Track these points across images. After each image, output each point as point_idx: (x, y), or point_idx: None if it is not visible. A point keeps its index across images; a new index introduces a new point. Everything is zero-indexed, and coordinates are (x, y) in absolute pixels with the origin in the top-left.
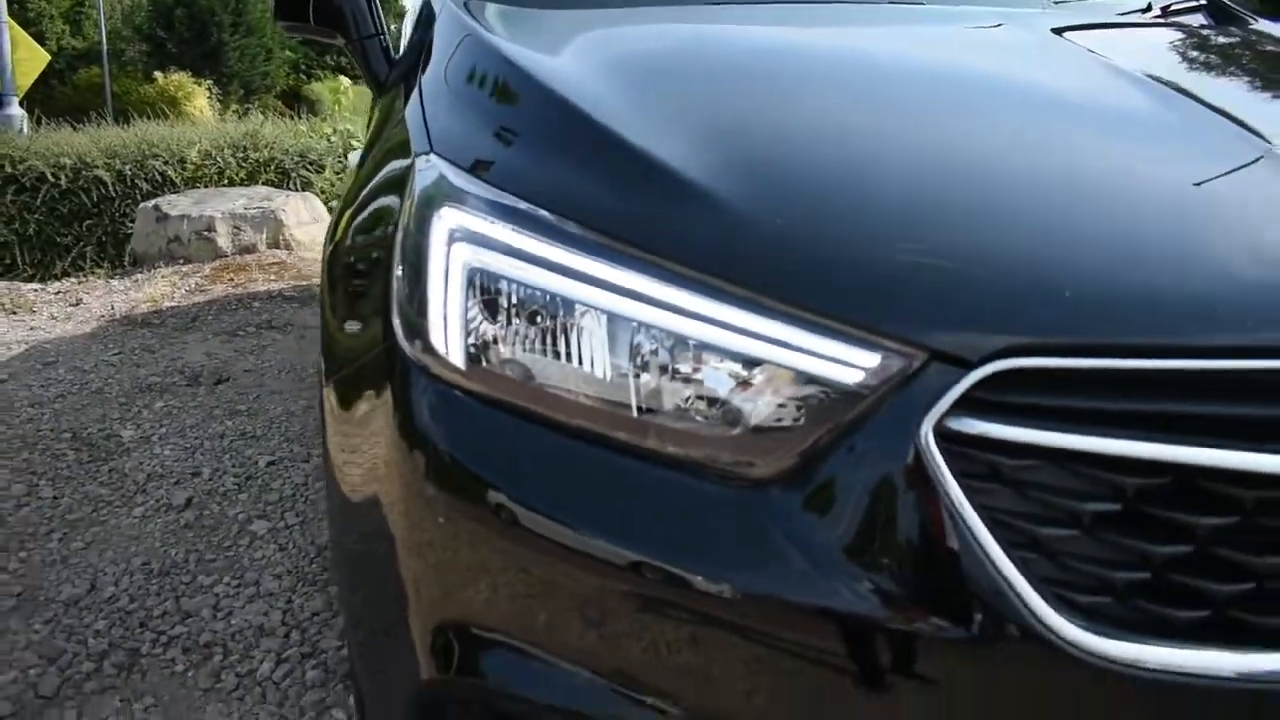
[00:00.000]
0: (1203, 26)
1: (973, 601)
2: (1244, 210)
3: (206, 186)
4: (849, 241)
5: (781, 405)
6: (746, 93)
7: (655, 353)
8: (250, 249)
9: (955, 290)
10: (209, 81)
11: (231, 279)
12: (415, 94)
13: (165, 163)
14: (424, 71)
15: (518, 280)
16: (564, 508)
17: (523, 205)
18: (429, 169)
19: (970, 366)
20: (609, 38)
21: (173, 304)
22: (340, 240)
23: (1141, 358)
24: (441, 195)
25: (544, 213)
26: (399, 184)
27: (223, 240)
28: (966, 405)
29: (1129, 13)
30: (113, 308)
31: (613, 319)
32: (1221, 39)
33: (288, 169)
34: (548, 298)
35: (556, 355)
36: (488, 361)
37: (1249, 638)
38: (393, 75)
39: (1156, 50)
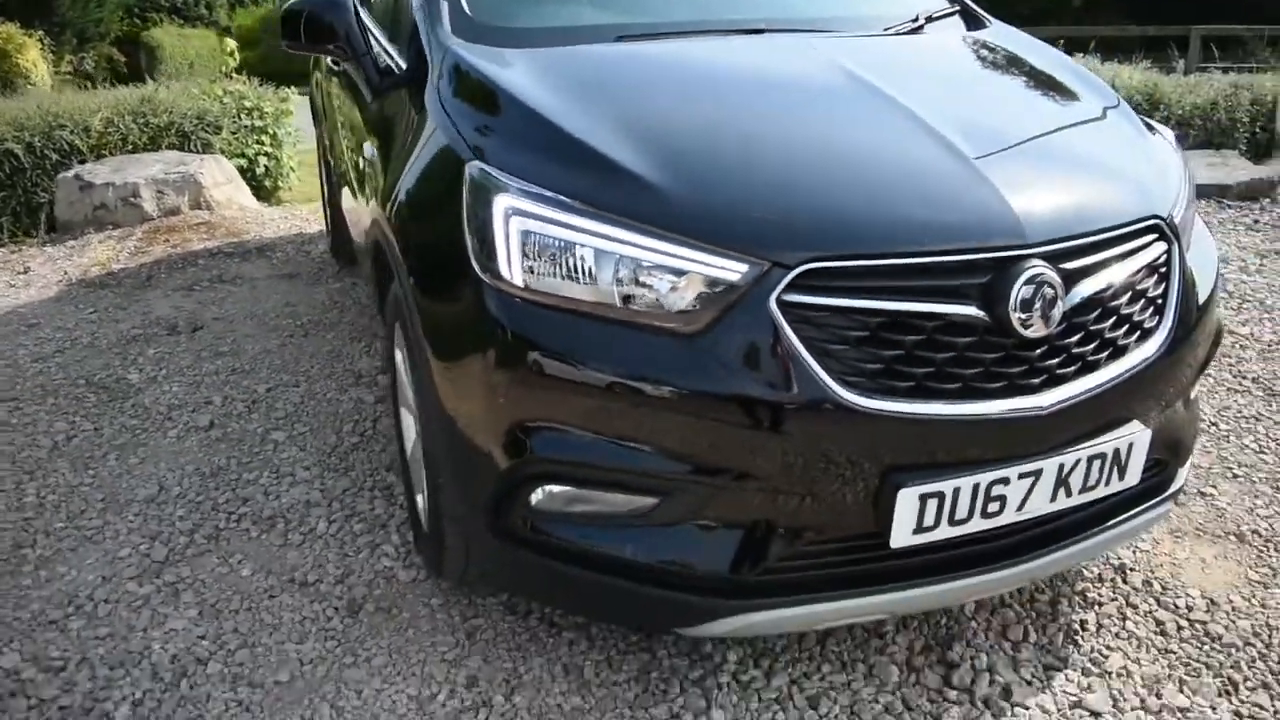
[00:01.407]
0: (940, 37)
1: (799, 384)
2: (913, 168)
3: (112, 153)
4: (725, 199)
5: (696, 296)
6: (653, 105)
7: (624, 271)
8: (175, 211)
9: (780, 227)
10: (39, 32)
11: (167, 240)
12: (443, 115)
13: (71, 132)
14: (442, 98)
15: (546, 235)
16: (577, 352)
17: (544, 191)
18: (479, 172)
19: (790, 268)
20: (573, 74)
21: (120, 266)
22: (410, 214)
23: (865, 259)
24: (493, 187)
25: (553, 194)
26: (452, 178)
27: (148, 205)
28: (791, 287)
29: (898, 26)
30: (65, 273)
31: (598, 253)
32: (941, 45)
33: (187, 132)
34: (562, 244)
35: (569, 275)
36: (533, 278)
37: (931, 397)
38: (388, 84)
39: (893, 56)
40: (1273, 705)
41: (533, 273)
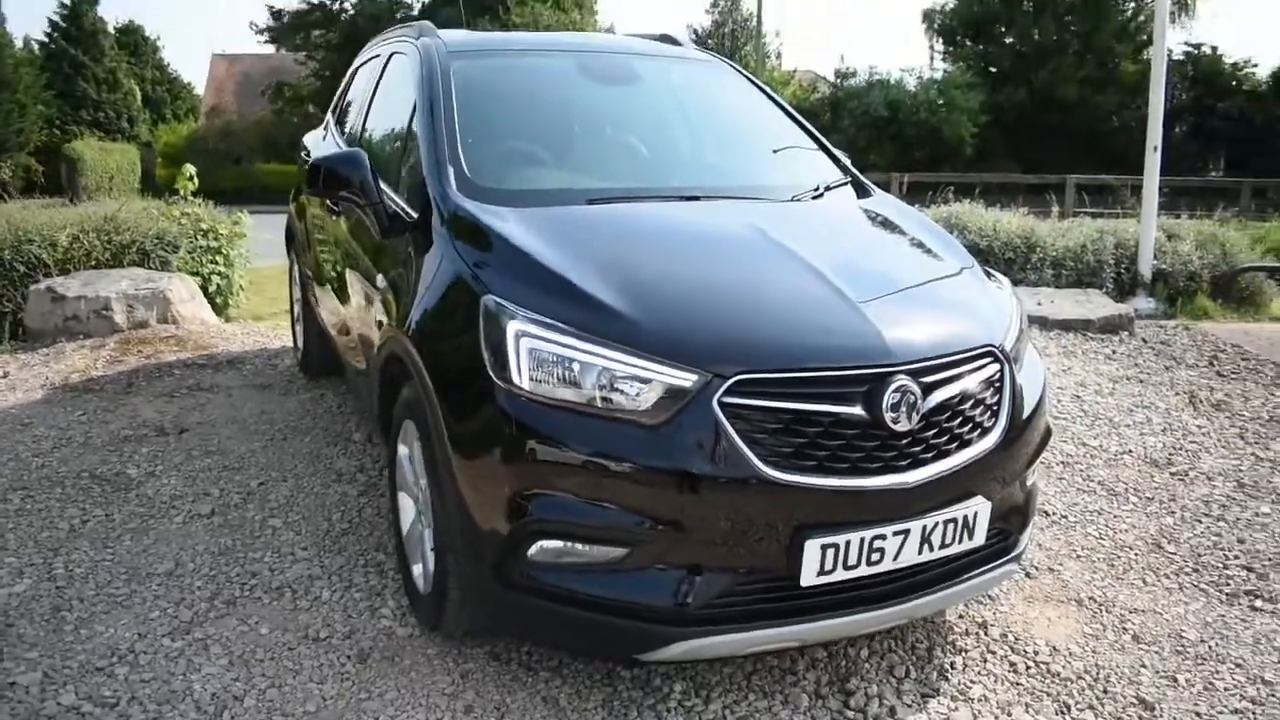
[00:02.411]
0: (833, 203)
1: (734, 463)
2: (813, 307)
3: (76, 268)
4: (679, 327)
5: (658, 398)
6: (619, 253)
7: (603, 378)
8: (143, 324)
9: (720, 348)
10: None
11: (140, 351)
12: (456, 257)
13: (39, 246)
14: (455, 243)
15: (546, 351)
16: (568, 437)
17: (544, 318)
18: (494, 303)
19: (728, 378)
20: (559, 229)
21: (99, 373)
22: (432, 333)
23: (780, 372)
24: (506, 315)
25: (551, 321)
26: (468, 306)
27: (119, 317)
28: (728, 392)
29: (802, 195)
30: (47, 378)
31: (584, 365)
32: (835, 209)
33: (147, 250)
34: (558, 358)
35: (562, 380)
36: (536, 383)
37: (828, 474)
38: (398, 228)
39: (800, 219)
40: (1084, 713)
41: (535, 379)
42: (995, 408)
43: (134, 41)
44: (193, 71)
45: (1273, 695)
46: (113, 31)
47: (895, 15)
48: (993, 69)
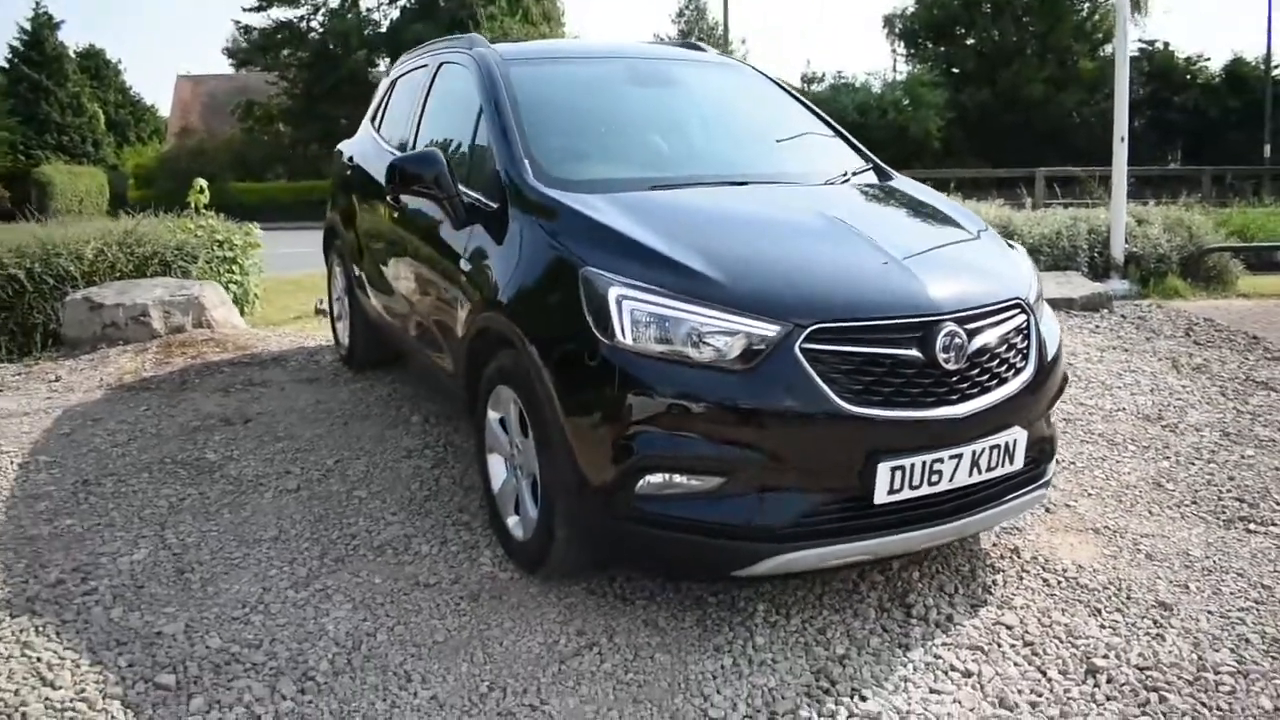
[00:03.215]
0: (865, 184)
1: (815, 400)
2: (871, 266)
3: (101, 279)
4: (760, 286)
5: (746, 347)
6: (694, 227)
7: (693, 332)
8: (180, 329)
9: (798, 303)
10: None
11: (184, 353)
12: (547, 236)
13: (66, 260)
14: (543, 225)
15: (644, 310)
16: (666, 384)
17: (638, 283)
18: (592, 273)
19: (806, 327)
20: (638, 209)
21: (150, 374)
22: (531, 303)
23: (850, 321)
24: (605, 282)
25: (646, 284)
26: (569, 276)
27: (157, 323)
28: (807, 339)
29: (835, 179)
30: (101, 380)
31: (679, 320)
32: (868, 190)
33: (168, 261)
34: (654, 316)
35: (659, 336)
36: (637, 340)
37: (894, 407)
38: (478, 217)
39: (840, 198)
40: (1125, 621)
41: (636, 336)
42: (1025, 351)
43: (96, 65)
44: (155, 94)
45: (1272, 596)
46: (75, 56)
47: (857, 21)
48: (955, 70)
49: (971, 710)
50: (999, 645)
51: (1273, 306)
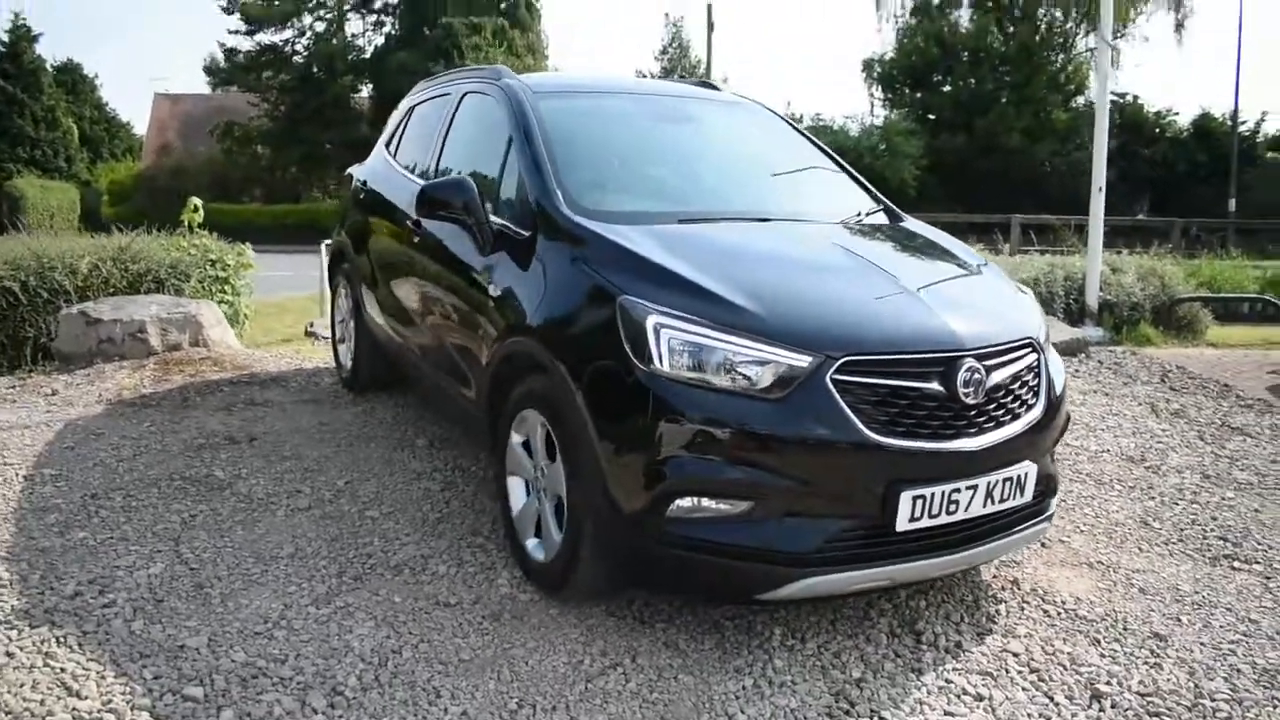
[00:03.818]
0: (879, 224)
1: (843, 429)
2: (897, 303)
3: (95, 295)
4: (793, 317)
5: (779, 376)
6: (725, 259)
7: (728, 361)
8: (176, 347)
9: (830, 335)
10: None
11: (182, 370)
12: (582, 265)
13: (60, 274)
14: (577, 254)
15: (681, 339)
16: (700, 411)
17: (675, 312)
18: (629, 302)
19: (837, 359)
20: (669, 241)
21: (150, 390)
22: (564, 329)
23: (879, 354)
24: (643, 311)
25: (683, 314)
26: (606, 304)
27: (154, 340)
28: (837, 371)
29: (850, 219)
30: (100, 395)
31: (715, 349)
32: (883, 230)
33: (162, 278)
34: (690, 344)
35: (694, 364)
36: (673, 367)
37: (916, 438)
38: (507, 244)
39: (859, 237)
40: (1124, 651)
41: (672, 363)
42: (1036, 388)
43: (72, 80)
44: (131, 110)
45: (1259, 630)
46: (51, 69)
47: (837, 64)
48: (932, 116)
49: None
50: (1007, 671)
51: (1240, 357)
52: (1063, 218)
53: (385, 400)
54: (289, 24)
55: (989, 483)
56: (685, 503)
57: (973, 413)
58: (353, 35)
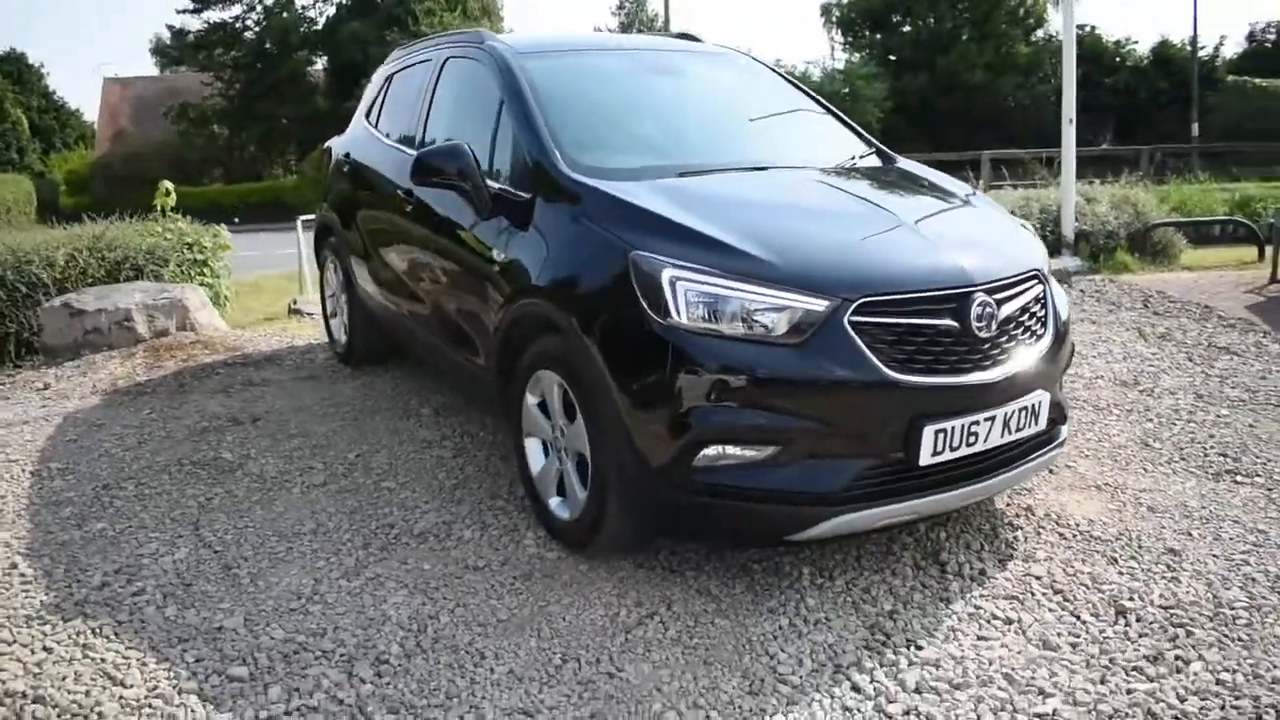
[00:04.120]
0: (874, 166)
1: (863, 369)
2: (905, 242)
3: (73, 286)
4: (806, 263)
5: (797, 321)
6: (731, 209)
7: (745, 309)
8: (164, 333)
9: (845, 278)
10: None
11: (173, 356)
12: (589, 223)
13: (38, 266)
14: (586, 212)
15: (695, 289)
16: (722, 360)
17: (689, 264)
18: (642, 257)
19: (854, 301)
20: (673, 195)
21: (144, 378)
22: (576, 288)
23: (893, 294)
24: (658, 265)
25: (697, 265)
26: (617, 260)
27: (141, 327)
28: (854, 312)
29: (845, 163)
30: (94, 385)
31: (732, 299)
32: (879, 172)
33: (140, 265)
34: (706, 295)
35: (716, 313)
36: (691, 319)
37: (934, 374)
38: (506, 206)
39: (857, 180)
40: (1141, 567)
41: (690, 315)
42: (1044, 319)
43: (18, 70)
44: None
45: (1268, 540)
46: None
47: (795, 10)
48: (893, 57)
49: (1019, 653)
50: (1032, 594)
51: (1216, 278)
52: (1032, 152)
53: (383, 373)
54: (238, 0)
55: (1006, 413)
56: (711, 451)
57: (986, 346)
58: (303, 7)
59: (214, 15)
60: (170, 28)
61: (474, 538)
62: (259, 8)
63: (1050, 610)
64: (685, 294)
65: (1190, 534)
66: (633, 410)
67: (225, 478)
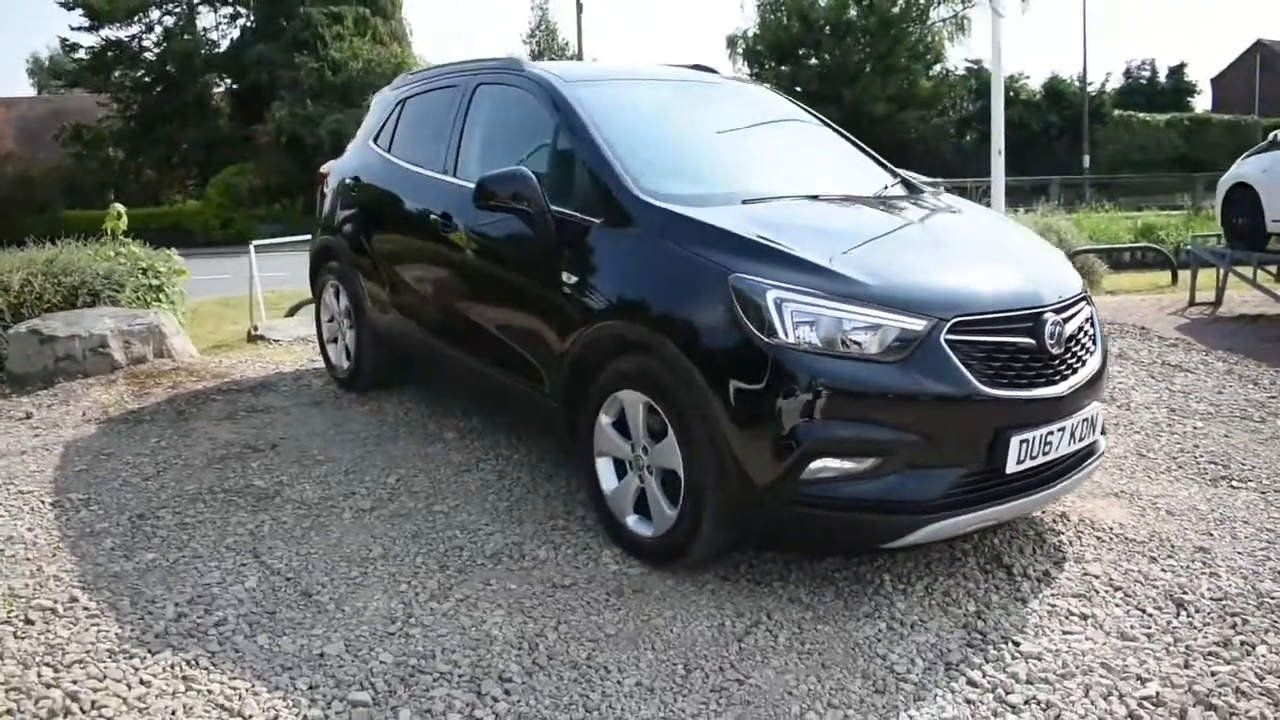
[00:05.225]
0: (911, 194)
1: (958, 384)
2: (984, 266)
3: (30, 312)
4: (903, 285)
5: (896, 339)
6: (809, 232)
7: (849, 328)
8: (141, 360)
9: (939, 300)
10: None
11: (159, 383)
12: (677, 247)
13: None
14: (669, 236)
15: (800, 310)
16: (830, 376)
17: (791, 286)
18: (744, 280)
19: (949, 321)
20: (756, 220)
21: (135, 406)
22: (670, 309)
23: (982, 314)
24: (761, 287)
25: (796, 287)
26: (713, 281)
27: (118, 354)
28: (949, 331)
29: (883, 191)
30: (84, 414)
31: (837, 319)
32: (919, 199)
33: (97, 290)
34: (811, 315)
35: (821, 333)
36: (798, 339)
37: (1016, 388)
38: (568, 234)
39: (909, 208)
40: (1180, 565)
41: (795, 335)
42: (1094, 336)
43: None
44: None
45: (1279, 537)
46: None
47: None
48: (799, 88)
49: (1104, 644)
50: (1096, 592)
51: (1138, 301)
52: (949, 181)
53: (389, 398)
54: (136, 19)
55: (1072, 424)
56: (818, 464)
57: (1056, 361)
58: (204, 29)
59: (111, 34)
60: (63, 43)
61: (549, 557)
62: (158, 29)
63: (1117, 605)
64: (791, 315)
65: (1211, 534)
66: (738, 427)
67: (267, 504)
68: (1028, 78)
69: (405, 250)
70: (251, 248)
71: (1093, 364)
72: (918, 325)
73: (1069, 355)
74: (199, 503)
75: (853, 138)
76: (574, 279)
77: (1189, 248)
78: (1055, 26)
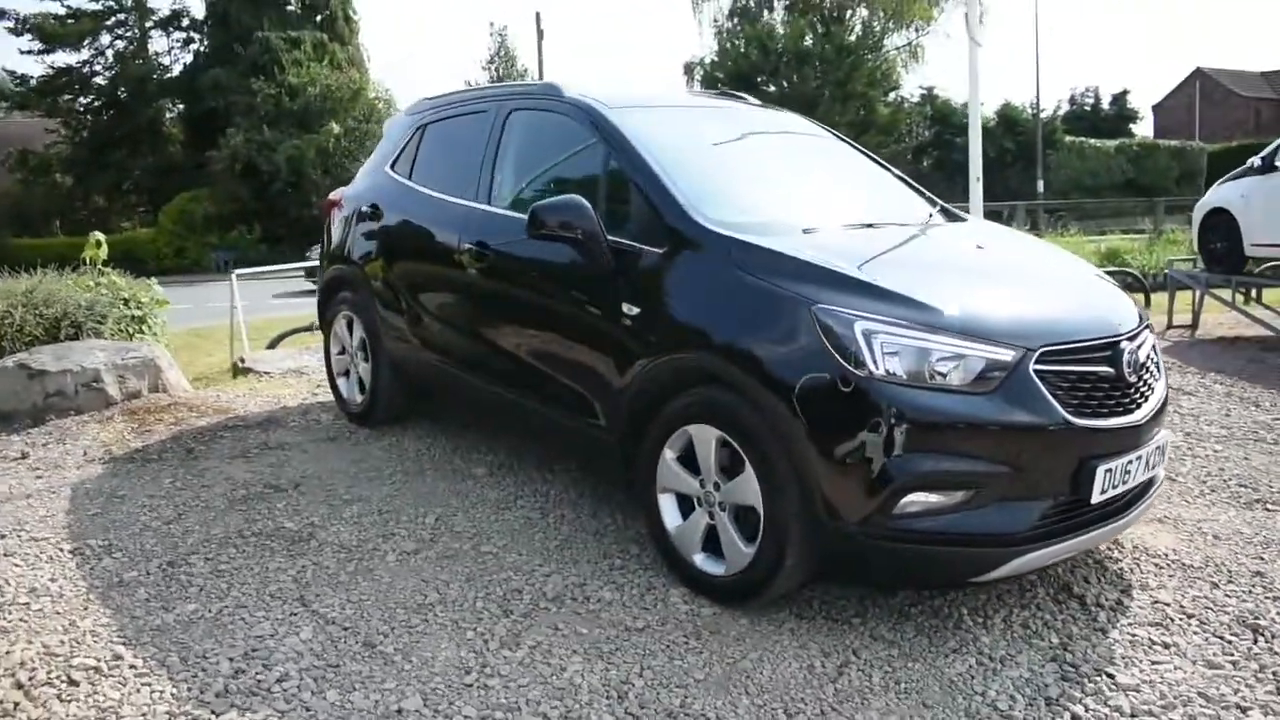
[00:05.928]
0: (956, 222)
1: (1047, 414)
2: (1061, 296)
3: (11, 345)
4: (988, 316)
5: (984, 370)
6: (880, 263)
7: (938, 359)
8: (136, 395)
9: (1027, 330)
10: None
11: (160, 419)
12: (754, 278)
13: None
14: (744, 266)
15: (894, 343)
16: (920, 409)
17: (878, 317)
18: (828, 311)
19: (1036, 350)
20: (819, 244)
21: (139, 444)
22: (749, 341)
23: (1068, 343)
24: (849, 318)
25: (883, 318)
26: (793, 311)
27: (112, 389)
28: (1037, 361)
29: (931, 220)
30: (85, 453)
31: (926, 350)
32: (972, 228)
33: (79, 322)
34: (900, 346)
35: (911, 364)
36: (889, 371)
37: (1100, 416)
38: (625, 263)
39: (962, 236)
40: (1241, 590)
41: (887, 368)
42: (1158, 364)
43: None
44: None
45: None
46: None
47: (659, 68)
48: None
49: (1195, 674)
50: (1171, 620)
51: None
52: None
53: (405, 433)
54: (86, 43)
55: (1146, 452)
56: (909, 499)
57: (1131, 390)
58: (156, 53)
59: (62, 58)
60: (9, 72)
61: (615, 598)
62: (109, 53)
63: (1195, 633)
64: (881, 346)
65: (1262, 558)
66: (826, 461)
67: (301, 548)
68: (982, 104)
69: (431, 280)
70: (234, 276)
71: (1160, 391)
72: (1006, 356)
73: (1141, 384)
74: (230, 547)
75: (889, 165)
76: (636, 310)
77: (1168, 271)
78: (1001, 54)
